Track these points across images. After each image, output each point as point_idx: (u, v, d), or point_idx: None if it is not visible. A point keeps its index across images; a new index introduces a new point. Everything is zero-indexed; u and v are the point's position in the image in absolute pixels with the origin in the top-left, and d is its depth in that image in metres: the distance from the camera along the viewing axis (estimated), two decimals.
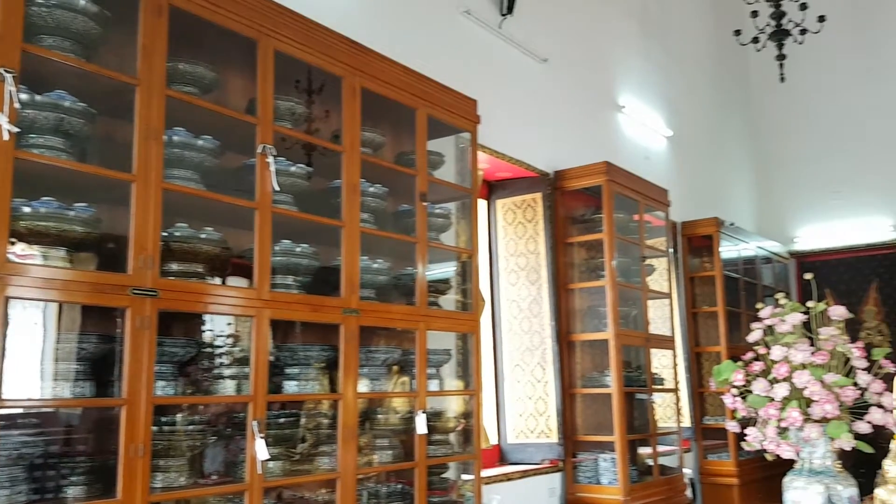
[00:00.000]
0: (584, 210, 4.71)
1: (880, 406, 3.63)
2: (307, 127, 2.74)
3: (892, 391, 3.85)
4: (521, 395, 4.47)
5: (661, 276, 5.34)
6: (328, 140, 2.74)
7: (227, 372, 2.32)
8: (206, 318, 2.39)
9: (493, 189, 4.64)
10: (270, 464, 2.34)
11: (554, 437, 4.32)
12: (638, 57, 5.85)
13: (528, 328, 4.50)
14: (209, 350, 2.36)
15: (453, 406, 3.38)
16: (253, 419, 2.20)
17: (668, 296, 5.26)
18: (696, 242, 6.12)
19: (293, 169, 2.51)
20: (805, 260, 7.35)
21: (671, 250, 5.54)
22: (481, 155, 3.95)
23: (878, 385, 3.68)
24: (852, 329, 7.08)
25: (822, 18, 5.58)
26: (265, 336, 2.28)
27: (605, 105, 5.39)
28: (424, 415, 2.87)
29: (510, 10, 4.23)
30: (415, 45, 3.57)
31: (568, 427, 4.38)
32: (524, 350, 4.49)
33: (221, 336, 2.44)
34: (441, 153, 3.22)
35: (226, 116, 2.34)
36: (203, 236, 2.26)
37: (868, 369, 3.75)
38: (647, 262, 4.92)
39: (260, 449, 2.19)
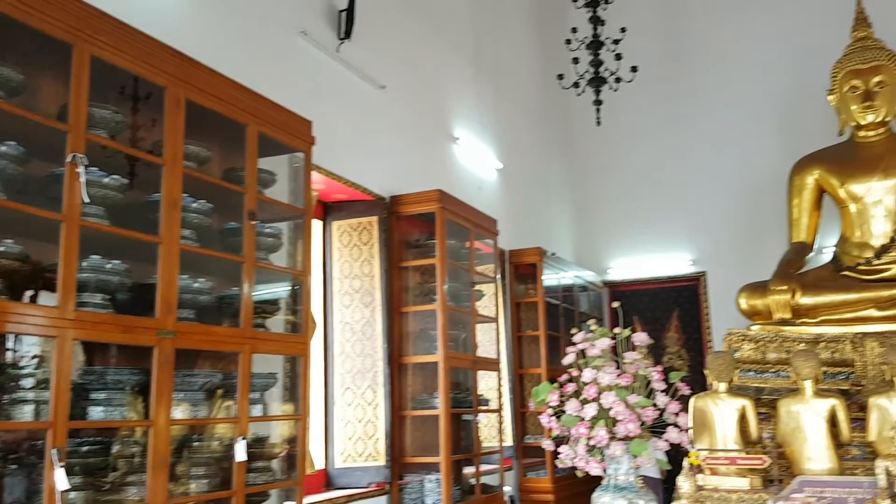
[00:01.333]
0: (418, 235, 4.82)
1: (676, 426, 4.01)
2: (129, 137, 2.60)
3: (687, 412, 4.27)
4: (350, 418, 4.45)
5: (489, 301, 5.56)
6: (149, 152, 2.62)
7: (29, 396, 2.13)
8: (10, 337, 2.19)
9: (330, 210, 4.63)
10: (73, 494, 2.17)
11: (382, 460, 4.34)
12: (472, 92, 6.12)
13: (360, 351, 4.50)
14: (13, 372, 2.17)
15: (278, 431, 3.30)
16: (52, 447, 2.03)
17: (495, 320, 5.48)
18: (521, 270, 6.44)
19: (107, 180, 2.37)
20: (617, 289, 7.94)
21: (499, 277, 5.79)
22: (317, 176, 3.94)
23: (674, 406, 4.07)
24: (656, 353, 7.75)
25: (634, 69, 6.14)
26: (68, 358, 2.12)
27: (441, 135, 5.57)
28: (245, 441, 2.78)
29: (348, 35, 4.28)
30: (250, 62, 3.51)
31: (396, 449, 4.41)
32: (356, 373, 4.48)
33: (25, 357, 2.24)
34: (273, 172, 3.17)
35: (33, 122, 2.17)
36: (1, 249, 2.07)
37: (666, 391, 4.14)
38: (477, 287, 5.11)
39: (59, 479, 2.03)
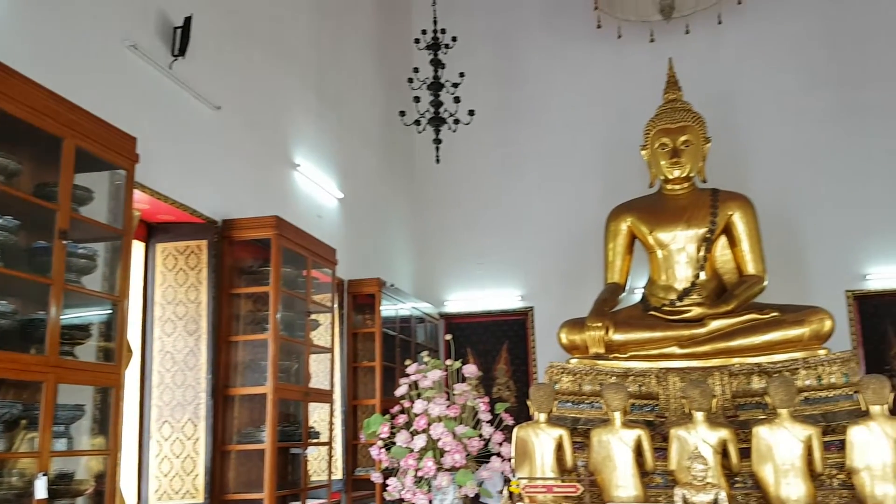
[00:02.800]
0: (251, 262, 4.69)
1: (500, 455, 4.16)
2: None
3: (510, 442, 4.44)
4: (168, 453, 4.20)
5: (325, 331, 5.50)
6: None
7: None
8: None
9: (154, 232, 4.39)
10: None
11: (200, 498, 4.12)
12: (314, 120, 6.10)
13: (181, 381, 4.28)
14: None
15: (86, 467, 3.06)
16: None
17: (331, 350, 5.43)
18: (360, 300, 6.44)
19: None
20: (452, 321, 8.15)
21: (336, 306, 5.75)
22: (141, 195, 3.74)
23: (498, 436, 4.22)
24: (487, 384, 8.00)
25: (471, 112, 6.41)
26: None
27: (280, 161, 5.49)
28: (45, 477, 2.56)
29: (182, 52, 4.13)
30: (73, 73, 3.30)
31: (217, 486, 4.21)
32: (175, 405, 4.25)
33: None
34: (90, 189, 2.98)
35: None
36: None
37: (492, 422, 4.29)
38: (313, 317, 5.04)
39: None
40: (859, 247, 6.94)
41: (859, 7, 7.29)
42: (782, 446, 4.06)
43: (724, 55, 7.62)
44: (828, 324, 5.02)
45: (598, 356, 5.40)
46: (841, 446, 4.18)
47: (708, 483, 3.47)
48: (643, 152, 6.07)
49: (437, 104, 6.36)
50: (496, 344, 8.09)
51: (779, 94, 7.39)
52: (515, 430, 4.58)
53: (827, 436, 4.35)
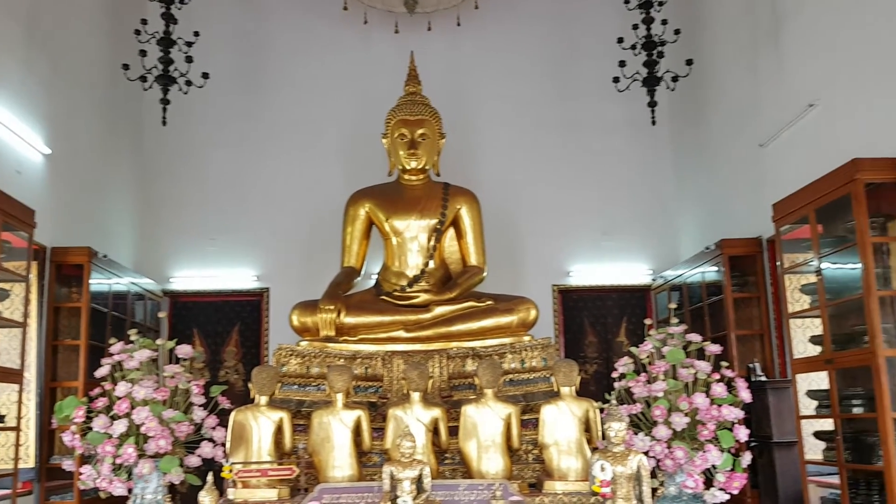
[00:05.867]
0: None
1: (212, 440, 3.96)
2: None
3: (226, 427, 4.25)
4: None
5: (17, 303, 4.83)
6: None
7: None
8: None
9: None
10: None
11: None
12: (18, 64, 5.31)
13: None
14: None
15: None
16: None
17: (23, 325, 4.78)
18: (65, 271, 5.77)
19: None
20: (178, 300, 7.64)
21: (33, 276, 5.08)
22: None
23: (211, 420, 4.02)
24: (214, 367, 7.65)
25: (205, 75, 6.04)
26: None
27: None
28: None
29: None
30: None
31: None
32: None
33: None
34: None
35: None
36: None
37: (206, 405, 4.08)
38: (1, 286, 4.41)
39: None
40: (565, 246, 7.74)
41: (579, 28, 8.05)
42: (486, 424, 4.38)
43: (462, 56, 8.02)
44: (533, 313, 5.52)
45: (328, 339, 5.41)
46: (537, 424, 4.62)
47: (415, 460, 3.62)
48: (384, 140, 6.19)
49: (166, 62, 5.89)
50: (227, 325, 7.76)
51: (507, 99, 7.95)
52: (233, 413, 4.41)
53: (526, 414, 4.77)
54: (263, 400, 4.42)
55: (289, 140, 7.84)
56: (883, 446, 3.66)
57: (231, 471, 4.12)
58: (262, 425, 4.34)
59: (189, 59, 5.95)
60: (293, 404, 5.01)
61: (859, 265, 3.83)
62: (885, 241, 3.96)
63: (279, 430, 4.37)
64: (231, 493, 4.20)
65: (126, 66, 5.91)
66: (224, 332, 7.74)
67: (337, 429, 4.33)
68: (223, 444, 4.01)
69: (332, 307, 5.43)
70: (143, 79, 5.97)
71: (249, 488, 4.15)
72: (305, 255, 7.47)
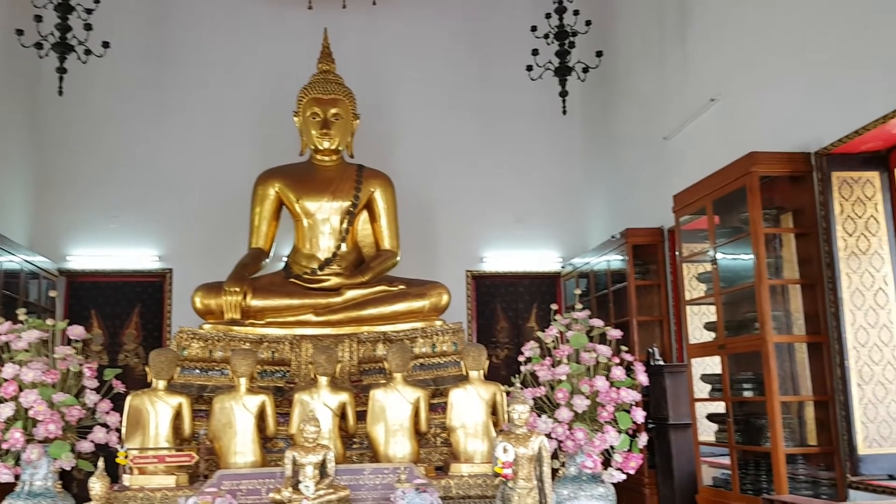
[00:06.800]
0: None
1: (105, 425, 3.80)
2: None
3: (121, 412, 4.09)
4: None
5: None
6: None
7: None
8: None
9: None
10: None
11: None
12: None
13: None
14: None
15: None
16: None
17: None
18: None
19: None
20: (76, 280, 7.28)
21: None
22: None
23: (105, 404, 3.85)
24: (113, 351, 7.33)
25: (106, 44, 5.73)
26: None
27: None
28: None
29: None
30: None
31: None
32: None
33: None
34: None
35: None
36: None
37: (99, 389, 3.90)
38: None
39: None
40: (479, 232, 7.79)
41: (495, 14, 8.00)
42: (394, 408, 4.38)
43: (377, 37, 7.87)
44: (445, 298, 5.55)
45: (233, 322, 5.27)
46: (446, 408, 4.65)
47: (319, 445, 3.58)
48: (296, 119, 6.06)
49: (63, 28, 5.54)
50: (127, 307, 7.44)
51: (423, 82, 7.87)
52: (129, 397, 4.25)
53: (435, 398, 4.80)
54: (161, 384, 4.28)
55: (197, 115, 7.54)
56: (771, 428, 3.86)
57: (126, 457, 3.98)
58: (159, 410, 4.21)
59: (88, 27, 5.63)
60: (195, 389, 4.86)
61: (752, 255, 4.02)
62: (777, 233, 4.17)
63: (178, 416, 4.25)
64: (126, 480, 4.06)
65: (20, 32, 5.53)
66: (124, 313, 7.43)
67: (239, 414, 4.23)
68: (117, 430, 3.87)
69: (237, 289, 5.29)
70: (38, 46, 5.61)
71: (146, 475, 4.02)
72: (212, 236, 7.22)
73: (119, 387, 3.90)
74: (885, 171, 3.91)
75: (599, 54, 6.41)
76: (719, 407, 4.50)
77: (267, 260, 6.01)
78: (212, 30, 7.70)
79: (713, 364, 4.65)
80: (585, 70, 6.42)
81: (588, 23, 6.35)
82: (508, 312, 7.91)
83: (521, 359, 4.04)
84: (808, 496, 3.80)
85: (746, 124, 4.73)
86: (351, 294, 5.56)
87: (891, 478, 3.63)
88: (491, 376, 4.66)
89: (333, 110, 5.89)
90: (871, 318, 3.82)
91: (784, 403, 3.93)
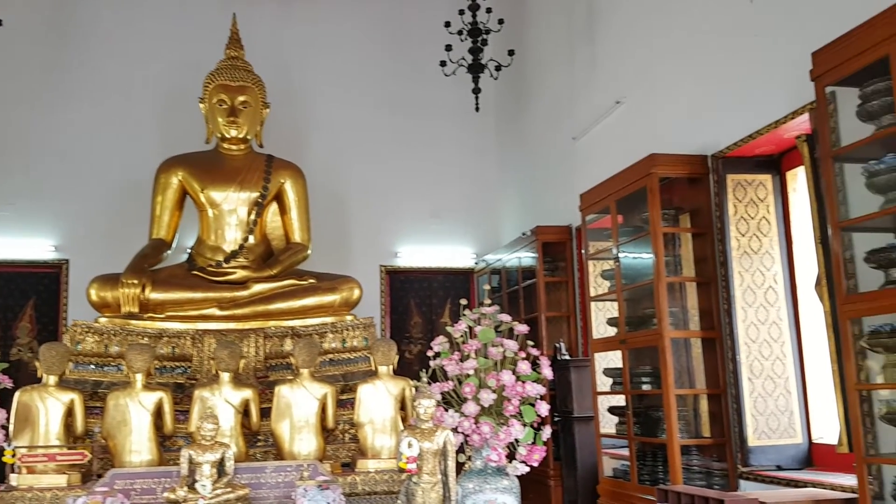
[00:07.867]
0: None
1: None
2: None
3: (8, 408, 3.86)
4: None
5: None
6: None
7: None
8: None
9: None
10: None
11: None
12: None
13: None
14: None
15: None
16: None
17: None
18: None
19: None
20: None
21: None
22: None
23: None
24: (5, 345, 6.92)
25: None
26: None
27: None
28: None
29: None
30: None
31: None
32: None
33: None
34: None
35: None
36: None
37: None
38: None
39: None
40: (393, 227, 7.75)
41: (410, 7, 7.95)
42: (300, 404, 4.30)
43: (292, 26, 7.70)
44: (356, 292, 5.50)
45: (131, 315, 5.06)
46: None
47: (217, 442, 3.47)
48: (201, 105, 5.86)
49: None
50: (20, 299, 7.04)
51: (338, 74, 7.75)
52: (17, 393, 4.02)
53: (345, 394, 4.75)
54: (52, 380, 4.06)
55: (98, 99, 7.18)
56: (667, 420, 3.99)
57: (14, 455, 3.77)
58: (50, 407, 4.00)
59: None
60: (89, 385, 4.65)
61: (651, 254, 4.15)
62: (675, 232, 4.32)
63: (70, 413, 4.05)
64: (14, 479, 3.84)
65: None
66: (17, 306, 7.03)
67: (135, 411, 4.07)
68: (4, 427, 3.67)
69: (135, 281, 5.08)
70: None
71: (35, 474, 3.82)
72: (112, 226, 6.89)
73: (6, 382, 3.69)
74: (777, 175, 4.11)
75: (511, 53, 6.48)
76: (621, 400, 4.63)
77: (169, 251, 5.80)
78: (115, 11, 7.35)
79: (616, 358, 4.78)
80: (498, 68, 6.48)
81: (501, 21, 6.41)
82: (422, 308, 7.91)
83: (430, 354, 4.04)
84: (701, 486, 3.95)
85: (649, 127, 4.89)
86: (258, 288, 5.43)
87: (778, 468, 3.82)
88: (404, 371, 4.65)
89: (241, 98, 5.73)
90: (762, 315, 4.01)
91: (679, 396, 4.08)
